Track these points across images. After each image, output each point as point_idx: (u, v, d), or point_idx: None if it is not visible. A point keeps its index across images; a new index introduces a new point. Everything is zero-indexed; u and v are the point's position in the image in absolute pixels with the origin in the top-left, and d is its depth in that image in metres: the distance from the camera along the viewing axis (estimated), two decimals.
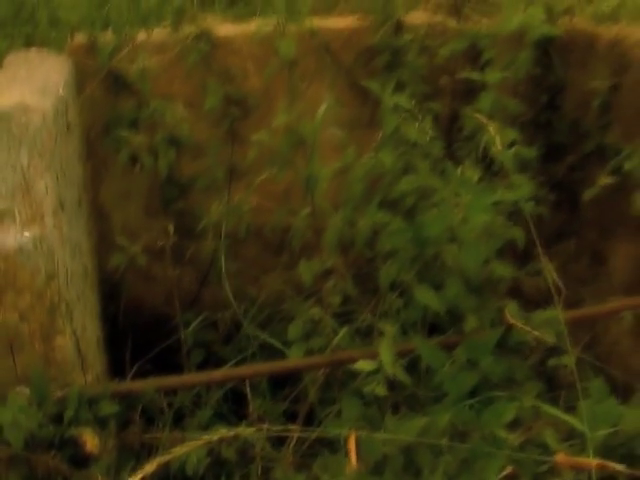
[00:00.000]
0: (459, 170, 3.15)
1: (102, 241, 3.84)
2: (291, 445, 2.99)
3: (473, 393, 2.57)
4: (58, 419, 2.74)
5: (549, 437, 2.50)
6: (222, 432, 2.46)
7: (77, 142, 3.40)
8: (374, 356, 2.88)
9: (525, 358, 2.97)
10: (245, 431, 2.56)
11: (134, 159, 3.70)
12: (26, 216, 2.67)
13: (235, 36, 3.91)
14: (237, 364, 3.49)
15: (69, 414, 2.72)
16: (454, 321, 2.98)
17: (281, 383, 3.45)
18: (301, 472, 2.88)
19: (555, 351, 2.90)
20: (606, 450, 2.38)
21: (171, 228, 3.70)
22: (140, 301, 4.14)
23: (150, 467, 2.12)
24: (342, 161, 3.31)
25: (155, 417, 3.21)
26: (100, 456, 2.74)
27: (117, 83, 3.76)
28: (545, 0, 3.87)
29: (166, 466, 2.39)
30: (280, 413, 3.37)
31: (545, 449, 2.45)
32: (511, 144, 3.16)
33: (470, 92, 3.72)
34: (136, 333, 3.78)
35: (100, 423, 2.81)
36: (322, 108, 3.23)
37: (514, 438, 2.45)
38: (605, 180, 3.60)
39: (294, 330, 3.28)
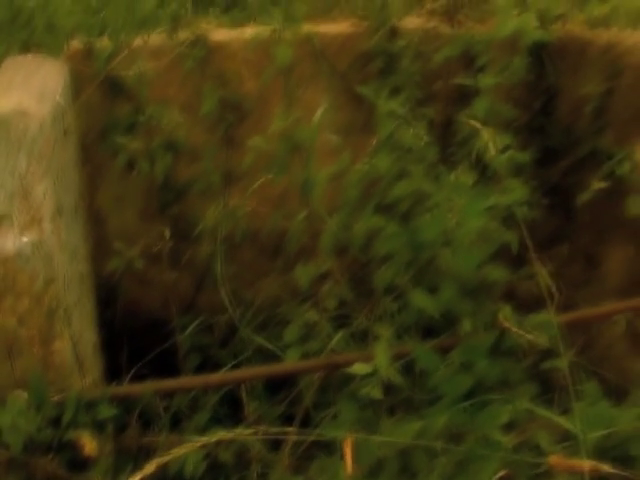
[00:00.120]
0: (453, 175, 3.17)
1: (98, 246, 3.85)
2: (287, 448, 3.01)
3: (468, 396, 2.58)
4: (56, 422, 2.75)
5: (543, 439, 2.50)
6: (220, 434, 2.48)
7: (74, 147, 3.41)
8: (370, 359, 2.88)
9: (519, 361, 2.97)
10: (242, 433, 2.58)
11: (131, 164, 3.71)
12: (24, 221, 2.69)
13: (230, 41, 3.92)
14: (233, 368, 3.49)
15: (67, 417, 2.73)
16: (449, 324, 2.99)
17: (277, 386, 3.46)
18: (298, 475, 2.90)
19: (549, 354, 2.91)
20: (600, 452, 2.39)
21: (167, 233, 3.71)
22: (136, 305, 4.14)
23: (149, 468, 2.13)
24: (337, 166, 3.32)
25: (152, 421, 3.21)
26: (98, 459, 2.75)
27: (113, 88, 3.77)
28: (538, 6, 3.89)
29: (163, 471, 2.41)
30: (276, 416, 3.37)
31: (539, 451, 2.46)
32: (505, 149, 3.17)
33: (464, 97, 3.74)
34: (132, 337, 3.78)
35: (98, 426, 2.82)
36: (318, 113, 3.24)
37: (509, 440, 2.45)
38: (599, 184, 3.61)
39: (290, 334, 3.30)
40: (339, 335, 3.18)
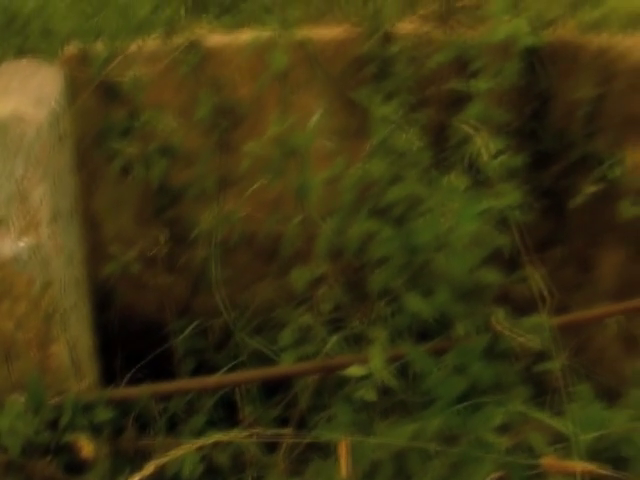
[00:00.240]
0: (447, 179, 3.17)
1: (94, 250, 3.85)
2: (282, 451, 3.02)
3: (462, 398, 2.60)
4: (54, 425, 2.76)
5: (537, 441, 2.51)
6: (216, 436, 2.49)
7: (69, 152, 3.42)
8: (365, 362, 2.90)
9: (513, 364, 2.97)
10: (238, 435, 2.59)
11: (126, 169, 3.72)
12: (22, 225, 2.70)
13: (225, 47, 3.94)
14: (229, 371, 3.49)
15: (65, 420, 2.74)
16: (443, 328, 3.00)
17: (272, 390, 3.47)
18: (293, 478, 2.91)
19: (543, 356, 2.92)
20: (593, 453, 2.41)
21: (163, 237, 3.72)
22: (131, 309, 4.15)
23: (147, 470, 2.14)
24: (332, 170, 3.33)
25: (149, 424, 3.22)
26: (95, 462, 2.76)
27: (108, 93, 3.78)
28: (531, 11, 3.90)
29: (160, 474, 2.42)
30: (272, 419, 3.38)
31: (533, 453, 2.46)
32: (498, 153, 3.17)
33: (457, 102, 3.75)
34: (128, 341, 3.79)
35: (95, 429, 2.83)
36: (314, 119, 3.25)
37: (502, 442, 2.46)
38: (591, 188, 3.63)
39: (285, 337, 3.31)
40: (334, 338, 3.19)
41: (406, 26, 4.06)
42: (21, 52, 3.71)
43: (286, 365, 3.22)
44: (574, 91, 3.78)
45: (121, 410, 3.03)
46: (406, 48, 3.93)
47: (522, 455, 2.44)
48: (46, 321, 2.78)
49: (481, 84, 3.63)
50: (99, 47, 3.79)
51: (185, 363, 3.75)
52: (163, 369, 3.50)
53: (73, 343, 2.94)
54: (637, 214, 3.42)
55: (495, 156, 3.15)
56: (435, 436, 2.50)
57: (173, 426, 3.34)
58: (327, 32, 4.03)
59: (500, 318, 2.97)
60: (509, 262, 3.13)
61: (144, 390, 3.07)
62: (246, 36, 3.92)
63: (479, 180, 3.18)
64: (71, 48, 3.78)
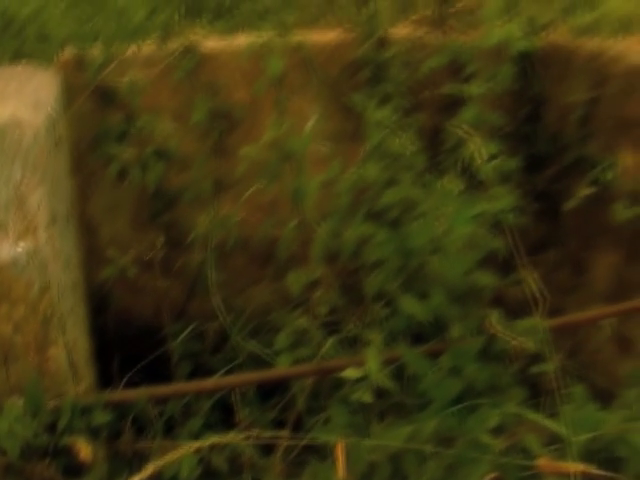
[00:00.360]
0: (442, 182, 3.18)
1: (90, 254, 3.86)
2: (279, 453, 3.03)
3: (457, 400, 2.60)
4: (52, 428, 2.77)
5: (532, 442, 2.51)
6: (213, 439, 2.49)
7: (66, 157, 3.42)
8: (361, 364, 2.91)
9: (508, 366, 2.98)
10: (236, 437, 2.59)
11: (123, 173, 3.72)
12: (20, 230, 2.71)
13: (220, 51, 3.95)
14: (225, 374, 3.50)
15: (63, 423, 2.75)
16: (438, 330, 3.01)
17: (269, 393, 3.48)
18: None
19: (537, 358, 2.94)
20: (587, 454, 2.42)
21: (160, 241, 3.73)
22: (128, 313, 4.15)
23: (145, 472, 2.15)
24: (327, 174, 3.34)
25: (146, 427, 3.22)
26: (93, 465, 2.77)
27: (104, 98, 3.79)
28: (525, 15, 3.92)
29: (158, 476, 2.43)
30: (269, 422, 3.38)
31: (528, 454, 2.47)
32: (492, 157, 3.18)
33: (452, 105, 3.75)
34: (124, 345, 3.78)
35: (93, 432, 2.84)
36: (310, 123, 3.27)
37: (498, 444, 2.47)
38: (585, 191, 3.64)
39: (281, 340, 3.31)
40: (330, 341, 3.19)
41: (400, 31, 4.08)
42: (17, 56, 3.72)
43: (282, 368, 3.22)
44: (567, 95, 3.80)
45: (118, 413, 3.04)
46: (400, 53, 3.95)
47: (517, 456, 2.45)
48: (44, 324, 2.79)
49: (475, 88, 3.64)
50: (95, 52, 3.79)
51: (181, 366, 3.75)
52: (159, 373, 3.51)
53: (71, 346, 2.95)
54: (630, 216, 3.44)
55: (489, 160, 3.15)
56: (431, 438, 2.51)
57: (170, 429, 3.35)
58: (321, 37, 4.05)
59: (495, 320, 2.99)
60: (503, 265, 3.13)
61: (141, 393, 3.08)
62: (241, 41, 3.94)
63: (473, 183, 3.19)
64: (67, 53, 3.79)
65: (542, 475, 2.38)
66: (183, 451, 2.44)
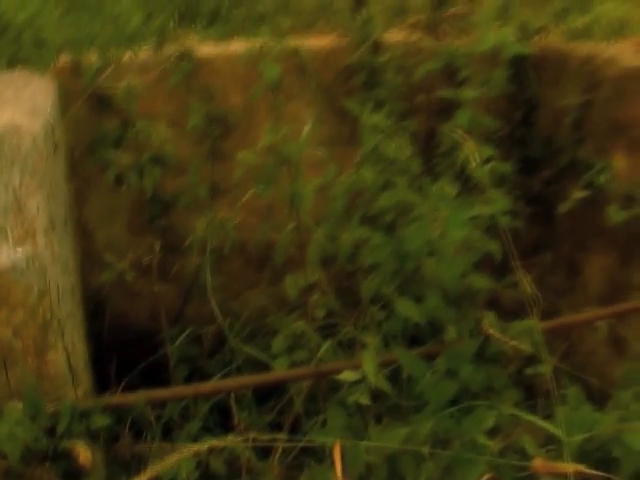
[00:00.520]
0: (437, 186, 3.18)
1: (86, 259, 3.86)
2: (277, 456, 3.04)
3: (453, 402, 2.62)
4: (51, 432, 2.78)
5: (527, 443, 2.54)
6: (212, 442, 2.50)
7: (63, 162, 3.43)
8: (357, 367, 2.92)
9: (503, 367, 2.99)
10: (234, 440, 2.60)
11: (119, 178, 3.73)
12: (18, 234, 2.73)
13: (216, 56, 3.96)
14: (222, 378, 3.51)
15: (62, 427, 2.77)
16: (434, 332, 3.02)
17: (266, 396, 3.49)
18: None
19: (533, 360, 2.95)
20: (583, 455, 2.44)
21: (157, 245, 3.73)
22: (124, 318, 4.15)
23: (145, 476, 2.16)
24: (324, 178, 3.34)
25: (144, 430, 3.23)
26: (93, 469, 2.78)
27: (101, 103, 3.80)
28: (519, 19, 3.93)
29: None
30: (266, 424, 3.39)
31: (524, 455, 2.49)
32: (487, 160, 3.19)
33: (446, 109, 3.76)
34: (121, 349, 3.79)
35: (92, 436, 2.85)
36: (306, 128, 3.27)
37: (494, 444, 2.49)
38: (579, 194, 3.65)
39: (278, 343, 3.32)
40: (327, 344, 3.20)
41: (395, 35, 4.09)
42: (13, 62, 3.71)
43: (280, 371, 3.23)
44: (561, 98, 3.81)
45: (117, 416, 3.06)
46: (395, 57, 3.95)
47: (513, 457, 2.47)
48: (43, 329, 2.81)
49: (469, 92, 3.64)
50: (91, 57, 3.80)
51: (178, 370, 3.74)
52: (156, 377, 3.50)
53: (70, 350, 2.96)
54: (624, 219, 3.45)
55: (484, 163, 3.17)
56: (428, 439, 2.52)
57: (168, 432, 3.36)
58: (316, 42, 4.05)
59: (491, 322, 3.00)
60: (499, 267, 3.15)
61: (140, 396, 3.09)
62: (236, 46, 3.95)
63: (469, 187, 3.20)
64: (63, 58, 3.79)
65: (538, 475, 2.40)
66: (182, 454, 2.44)
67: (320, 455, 2.74)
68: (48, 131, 3.03)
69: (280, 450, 3.03)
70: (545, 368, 2.78)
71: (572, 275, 3.88)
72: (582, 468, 2.34)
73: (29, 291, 2.75)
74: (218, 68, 3.94)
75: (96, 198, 4.00)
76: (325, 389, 3.21)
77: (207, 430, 3.39)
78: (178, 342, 3.77)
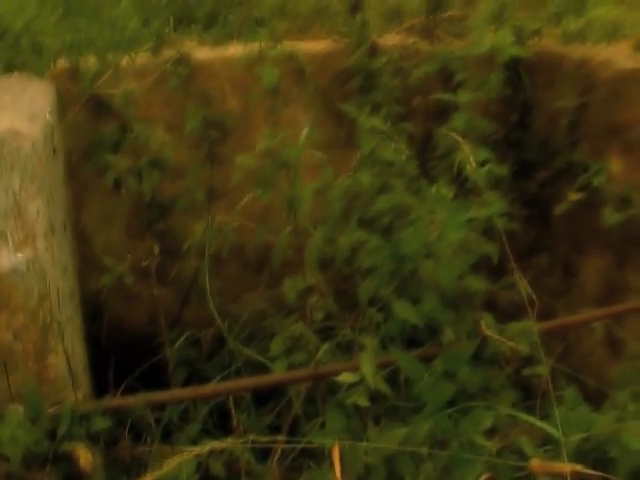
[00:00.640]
0: (434, 188, 3.20)
1: (84, 263, 3.87)
2: (276, 458, 3.05)
3: (451, 403, 2.63)
4: (52, 436, 2.79)
5: (525, 443, 2.55)
6: (213, 444, 2.51)
7: (61, 166, 3.44)
8: (355, 369, 2.93)
9: (501, 368, 3.00)
10: (235, 442, 2.61)
11: (118, 182, 3.74)
12: (19, 238, 2.74)
13: (213, 60, 3.97)
14: (221, 381, 3.51)
15: (62, 430, 2.77)
16: (432, 334, 3.03)
17: (265, 398, 3.50)
18: None
19: (530, 361, 2.96)
20: (580, 455, 2.46)
21: (156, 249, 3.74)
22: (122, 321, 4.15)
23: (147, 479, 2.17)
24: (321, 181, 3.35)
25: (143, 433, 3.24)
26: (93, 472, 2.78)
27: (98, 107, 3.80)
28: (514, 22, 3.95)
29: None
30: (265, 427, 3.40)
31: (521, 455, 2.51)
32: (484, 162, 3.20)
33: (443, 112, 3.77)
34: (119, 353, 3.80)
35: (92, 439, 2.86)
36: (304, 132, 3.28)
37: (491, 445, 2.51)
38: (575, 196, 3.66)
39: (276, 346, 3.32)
40: (325, 346, 3.21)
41: (392, 38, 4.11)
42: (10, 67, 3.72)
43: (279, 373, 3.24)
44: (556, 101, 3.82)
45: (116, 419, 3.06)
46: (391, 61, 3.96)
47: (511, 457, 2.48)
48: (43, 332, 2.82)
49: (465, 95, 3.64)
50: (89, 61, 3.80)
51: (177, 373, 3.75)
52: (154, 381, 3.51)
53: (70, 354, 2.97)
54: (619, 221, 3.47)
55: (480, 166, 3.18)
56: (426, 440, 2.54)
57: (168, 434, 3.37)
58: (314, 45, 4.06)
59: (488, 324, 3.01)
60: (496, 269, 3.17)
61: (140, 399, 3.09)
62: (233, 50, 3.96)
63: (465, 189, 3.21)
64: (61, 62, 3.79)
65: (535, 476, 2.41)
66: (183, 457, 2.45)
67: (319, 457, 2.76)
68: (47, 135, 3.03)
69: (279, 452, 3.04)
70: (542, 369, 2.80)
71: (568, 277, 3.89)
72: (579, 468, 2.36)
73: (29, 295, 2.76)
74: (215, 72, 3.95)
75: (94, 202, 4.00)
76: (324, 391, 3.22)
77: (206, 432, 3.40)
78: (177, 345, 3.78)
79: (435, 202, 3.11)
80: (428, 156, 3.73)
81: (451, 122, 3.61)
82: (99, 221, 4.07)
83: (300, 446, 2.84)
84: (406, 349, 3.03)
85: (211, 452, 2.60)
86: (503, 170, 3.31)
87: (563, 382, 3.04)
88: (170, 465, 2.40)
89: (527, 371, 2.98)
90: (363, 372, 2.90)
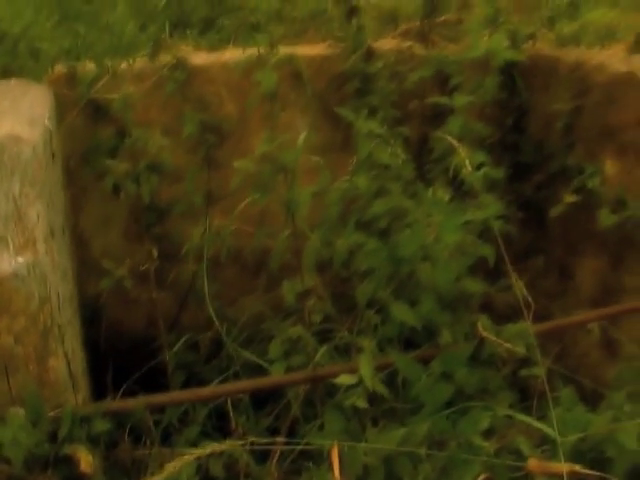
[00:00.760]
0: (430, 191, 3.22)
1: (82, 267, 3.88)
2: (275, 459, 3.06)
3: (449, 404, 2.65)
4: (53, 438, 2.80)
5: (522, 444, 2.57)
6: (213, 446, 2.53)
7: (60, 171, 3.45)
8: (354, 371, 2.94)
9: (498, 369, 3.02)
10: (234, 444, 2.62)
11: (116, 186, 3.75)
12: (19, 243, 2.75)
13: (210, 64, 3.97)
14: (220, 384, 3.52)
15: (63, 433, 2.79)
16: (429, 336, 3.05)
17: (264, 400, 3.51)
18: None
19: (526, 362, 2.98)
20: (576, 455, 2.48)
21: (154, 252, 3.75)
22: (120, 325, 4.16)
23: None
24: (318, 185, 3.37)
25: (143, 436, 3.23)
26: (94, 475, 2.80)
27: (96, 112, 3.81)
28: (509, 26, 3.96)
29: None
30: (263, 429, 3.40)
31: (519, 455, 2.52)
32: (480, 165, 3.22)
33: (439, 116, 3.79)
34: (117, 357, 3.80)
35: (93, 441, 2.87)
36: (302, 136, 3.29)
37: (489, 445, 2.52)
38: (570, 198, 3.67)
39: (274, 349, 3.32)
40: (323, 349, 3.21)
41: (387, 42, 4.12)
42: (7, 72, 3.73)
43: (277, 375, 3.25)
44: (551, 104, 3.83)
45: (116, 422, 3.07)
46: (387, 65, 3.97)
47: (509, 457, 2.50)
48: (44, 336, 2.83)
49: (460, 99, 3.66)
50: (87, 66, 3.81)
51: (175, 377, 3.76)
52: (152, 384, 3.51)
53: (70, 357, 2.99)
54: (615, 222, 3.49)
55: (476, 169, 3.19)
56: (424, 440, 2.55)
57: (167, 437, 3.37)
58: (309, 50, 4.07)
59: (485, 325, 3.03)
60: (492, 271, 3.18)
61: (139, 402, 3.09)
62: (229, 55, 3.98)
63: (461, 192, 3.22)
64: (59, 67, 3.80)
65: (533, 475, 2.43)
66: (184, 460, 2.46)
67: (318, 459, 2.76)
68: (46, 140, 3.04)
69: (278, 454, 3.05)
70: (539, 370, 2.80)
71: (564, 278, 3.90)
72: (576, 468, 2.38)
73: (30, 298, 2.77)
74: (212, 76, 3.96)
75: (92, 206, 4.01)
76: (322, 393, 3.22)
77: (206, 435, 3.41)
78: (175, 349, 3.78)
79: (432, 205, 3.13)
80: (424, 159, 3.74)
81: (447, 125, 3.63)
82: (97, 225, 4.07)
83: (299, 448, 2.86)
84: (404, 351, 3.04)
85: (211, 454, 2.60)
86: (499, 173, 3.32)
87: (559, 383, 3.05)
88: (172, 468, 2.41)
89: (524, 372, 3.00)
90: (361, 374, 2.92)
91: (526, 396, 3.02)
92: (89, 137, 3.83)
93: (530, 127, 4.03)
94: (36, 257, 2.78)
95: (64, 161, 3.63)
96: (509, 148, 4.01)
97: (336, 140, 3.98)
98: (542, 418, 2.61)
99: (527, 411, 2.82)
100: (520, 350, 2.95)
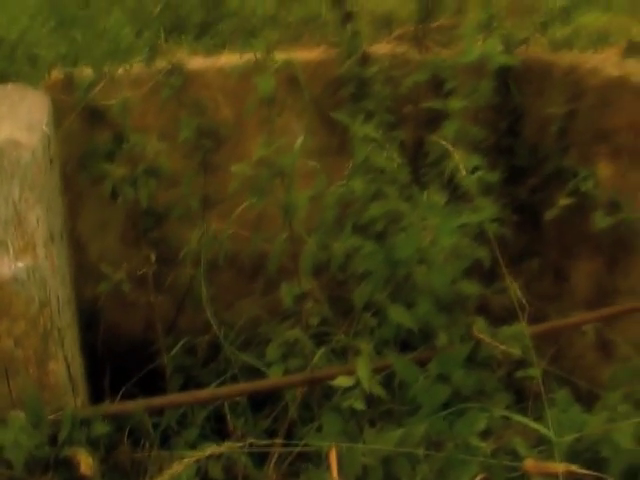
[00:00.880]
0: (426, 195, 3.23)
1: (79, 271, 3.88)
2: (273, 461, 3.08)
3: (446, 405, 2.66)
4: (53, 441, 2.82)
5: (519, 444, 2.59)
6: (212, 448, 2.54)
7: (57, 175, 3.46)
8: (351, 373, 2.96)
9: (494, 371, 3.04)
10: (233, 446, 2.64)
11: (113, 191, 3.76)
12: (19, 247, 2.76)
13: (206, 69, 3.99)
14: (217, 387, 3.52)
15: (63, 435, 2.80)
16: (426, 338, 3.06)
17: (261, 403, 3.52)
18: None
19: (522, 364, 2.99)
20: (572, 455, 2.49)
21: (152, 256, 3.76)
22: (118, 329, 4.17)
23: None
24: (315, 188, 3.38)
25: (142, 438, 3.25)
26: (94, 477, 2.81)
27: (93, 117, 3.82)
28: (503, 30, 3.98)
29: None
30: (261, 431, 3.41)
31: (515, 456, 2.54)
32: (475, 169, 3.23)
33: (433, 120, 3.80)
34: (114, 361, 3.81)
35: (92, 444, 2.88)
36: (299, 140, 3.31)
37: (486, 446, 2.53)
38: (564, 201, 3.69)
39: (272, 352, 3.34)
40: (321, 351, 3.23)
41: (383, 47, 4.13)
42: (4, 77, 3.73)
43: (275, 378, 3.26)
44: (546, 108, 3.84)
45: (115, 425, 3.08)
46: (382, 69, 3.99)
47: (505, 458, 2.51)
48: (44, 339, 2.84)
49: (457, 102, 3.68)
50: (84, 72, 3.82)
51: (173, 380, 3.77)
52: (149, 388, 3.52)
53: (69, 360, 3.00)
54: (609, 225, 3.50)
55: (472, 172, 3.21)
56: (421, 441, 2.56)
57: (166, 439, 3.38)
58: (305, 54, 4.08)
59: (481, 327, 3.05)
60: (488, 274, 3.20)
61: (139, 404, 3.10)
62: (225, 59, 3.99)
63: (457, 195, 3.24)
64: (56, 73, 3.81)
65: (529, 476, 2.44)
66: (185, 463, 2.48)
67: (316, 460, 2.78)
68: (45, 145, 3.05)
69: (276, 456, 3.07)
70: (534, 371, 2.81)
71: (559, 281, 3.92)
72: (572, 468, 2.39)
73: (30, 302, 2.79)
74: (208, 81, 3.97)
75: (89, 211, 4.02)
76: (319, 395, 3.24)
77: (204, 437, 3.42)
78: (173, 352, 3.79)
79: (427, 208, 3.14)
80: (420, 163, 3.75)
81: (442, 130, 3.64)
82: (94, 229, 4.08)
83: (297, 449, 2.87)
84: (401, 353, 3.05)
85: (210, 456, 2.61)
86: (494, 176, 3.34)
87: (555, 384, 3.07)
88: (173, 471, 2.42)
89: (520, 374, 3.00)
90: (359, 376, 2.93)
91: (522, 397, 3.03)
92: (86, 142, 3.84)
93: (525, 131, 4.05)
94: (36, 261, 2.79)
95: (62, 166, 3.64)
96: (504, 152, 4.03)
97: (332, 144, 4.00)
98: (538, 419, 2.62)
99: (523, 412, 2.83)
100: (516, 352, 2.97)
